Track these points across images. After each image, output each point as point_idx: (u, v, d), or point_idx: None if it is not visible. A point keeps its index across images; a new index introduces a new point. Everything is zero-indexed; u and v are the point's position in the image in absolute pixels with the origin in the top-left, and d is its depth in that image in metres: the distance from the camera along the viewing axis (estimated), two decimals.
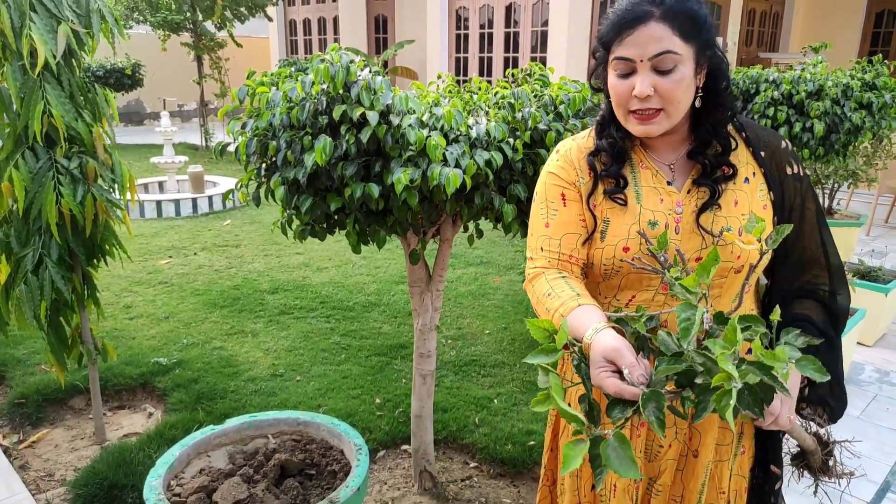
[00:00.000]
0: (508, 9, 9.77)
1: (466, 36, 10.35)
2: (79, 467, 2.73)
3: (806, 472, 1.43)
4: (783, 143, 1.31)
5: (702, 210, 1.23)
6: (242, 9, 10.92)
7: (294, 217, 2.07)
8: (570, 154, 1.33)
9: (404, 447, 2.88)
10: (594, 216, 1.28)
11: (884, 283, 3.98)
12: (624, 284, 1.28)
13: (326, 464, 1.99)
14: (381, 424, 3.00)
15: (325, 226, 2.09)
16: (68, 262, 2.54)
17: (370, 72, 1.94)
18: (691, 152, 1.26)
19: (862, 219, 5.43)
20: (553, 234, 1.29)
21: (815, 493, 1.43)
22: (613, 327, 1.06)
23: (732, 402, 0.88)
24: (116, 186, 2.61)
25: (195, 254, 5.74)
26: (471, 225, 2.26)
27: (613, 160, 1.27)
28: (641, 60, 1.14)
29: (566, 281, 1.23)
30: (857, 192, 6.50)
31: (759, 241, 1.08)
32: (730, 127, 1.29)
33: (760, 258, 1.14)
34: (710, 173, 1.25)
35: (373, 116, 1.78)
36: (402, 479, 2.69)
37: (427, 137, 1.80)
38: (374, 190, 1.83)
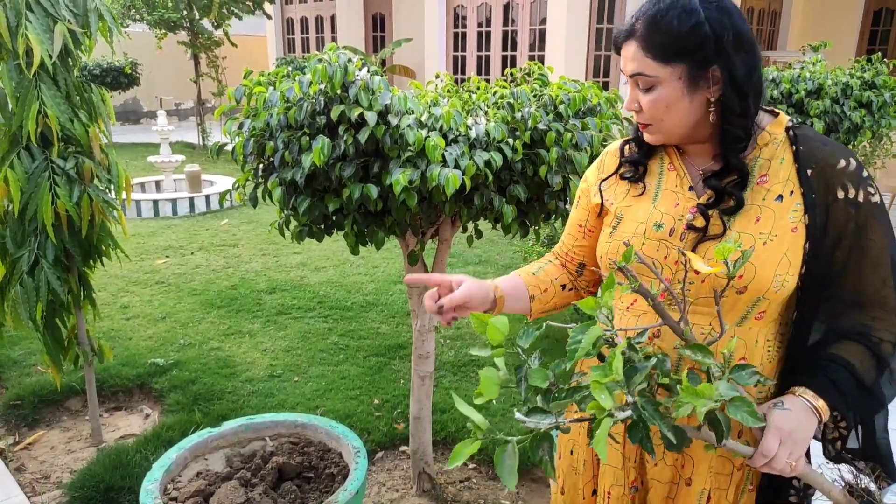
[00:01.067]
0: (506, 7, 9.75)
1: (464, 34, 10.33)
2: (75, 469, 2.71)
3: None
4: (843, 162, 1.13)
5: (702, 237, 1.16)
6: (239, 6, 10.88)
7: (292, 218, 2.06)
8: (608, 152, 1.37)
9: (402, 448, 2.87)
10: (602, 204, 1.32)
11: None
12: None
13: (324, 466, 1.98)
14: (379, 425, 2.98)
15: (323, 227, 2.07)
16: (64, 262, 2.52)
17: (368, 71, 1.92)
18: (706, 179, 1.17)
19: None
20: (566, 231, 1.43)
21: None
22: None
23: (604, 432, 0.83)
24: (113, 187, 2.59)
25: (192, 253, 5.72)
26: (470, 225, 2.25)
27: (639, 149, 1.28)
28: (625, 74, 1.17)
29: (540, 262, 1.42)
30: None
31: (726, 263, 0.98)
32: (783, 138, 1.16)
33: (786, 286, 1.09)
34: (717, 202, 1.15)
35: (371, 117, 1.76)
36: (400, 480, 2.68)
37: (426, 138, 1.78)
38: (373, 191, 1.82)
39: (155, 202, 7.16)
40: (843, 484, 1.22)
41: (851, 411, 1.13)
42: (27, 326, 2.46)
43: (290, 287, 4.84)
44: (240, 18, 11.13)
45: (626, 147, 1.31)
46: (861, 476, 1.22)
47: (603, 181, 1.33)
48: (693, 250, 1.15)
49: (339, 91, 1.84)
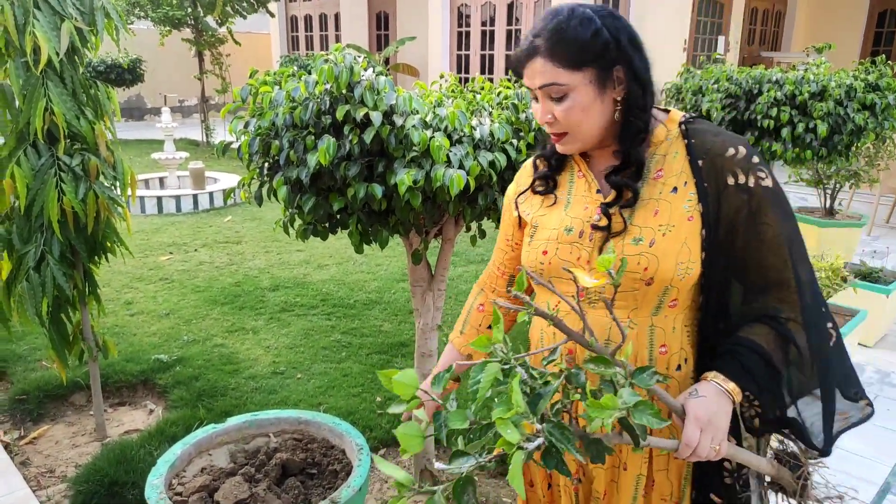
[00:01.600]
0: (510, 6, 9.75)
1: (468, 33, 10.33)
2: (80, 464, 2.73)
3: (784, 496, 1.30)
4: (732, 151, 1.18)
5: (607, 236, 1.22)
6: (244, 4, 10.89)
7: (296, 216, 2.07)
8: (524, 168, 1.44)
9: None
10: (519, 217, 1.39)
11: (885, 284, 3.98)
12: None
13: (328, 463, 2.00)
14: (381, 423, 3.00)
15: (327, 225, 2.08)
16: (70, 259, 2.54)
17: (374, 72, 1.93)
18: (608, 175, 1.24)
19: (863, 219, 5.43)
20: (496, 247, 1.51)
21: None
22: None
23: (518, 466, 0.85)
24: (118, 184, 2.60)
25: (196, 250, 5.74)
26: (473, 225, 2.26)
27: (549, 165, 1.35)
28: (535, 89, 1.20)
29: (471, 304, 1.55)
30: (858, 193, 6.49)
31: (610, 273, 1.01)
32: (676, 133, 1.23)
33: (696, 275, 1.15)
34: (618, 198, 1.22)
35: (376, 117, 1.78)
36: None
37: (431, 138, 1.79)
38: (378, 190, 1.83)
39: (159, 199, 7.18)
40: (771, 454, 1.28)
41: (763, 391, 1.17)
42: (33, 322, 2.48)
43: (293, 284, 4.86)
44: (244, 17, 11.15)
45: (538, 162, 1.38)
46: (786, 442, 1.27)
47: (519, 195, 1.41)
48: (601, 248, 1.22)
49: (344, 91, 1.85)
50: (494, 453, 0.94)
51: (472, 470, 0.94)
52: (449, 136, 1.88)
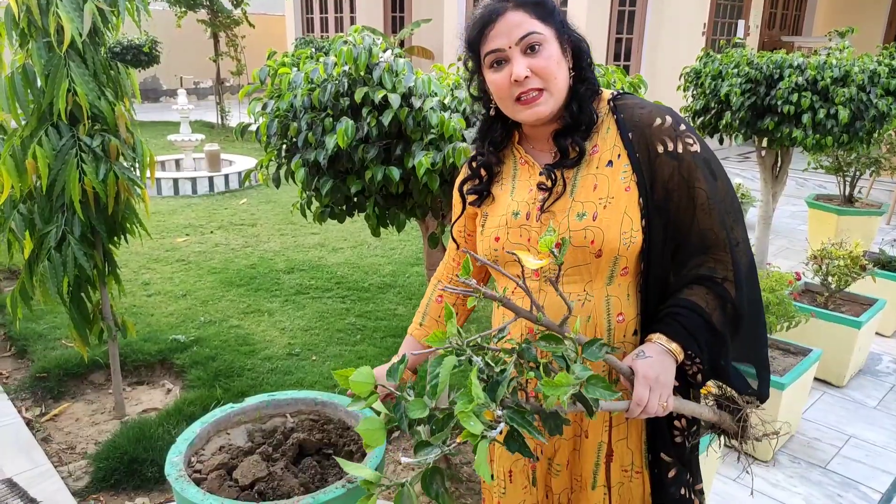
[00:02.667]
0: None
1: None
2: (99, 441, 2.78)
3: (726, 439, 1.38)
4: (658, 120, 1.23)
5: (544, 202, 1.26)
6: None
7: (314, 199, 2.08)
8: (467, 162, 1.46)
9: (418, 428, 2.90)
10: (464, 201, 1.43)
11: None
12: (506, 272, 1.34)
13: (344, 444, 2.01)
14: None
15: (344, 208, 2.09)
16: (90, 238, 2.57)
17: (392, 54, 1.93)
18: (556, 135, 1.27)
19: (883, 207, 5.36)
20: (451, 239, 1.53)
21: (738, 459, 1.38)
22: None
23: (483, 454, 0.89)
24: (137, 165, 2.62)
25: (212, 232, 5.78)
26: None
27: (485, 163, 1.37)
28: (510, 47, 1.21)
29: (430, 297, 1.56)
30: (878, 181, 6.40)
31: (553, 252, 1.06)
32: (606, 110, 1.28)
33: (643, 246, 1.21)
34: (563, 159, 1.26)
35: (395, 99, 1.77)
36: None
37: (448, 119, 1.79)
38: (395, 173, 1.83)
39: (175, 181, 7.22)
40: (712, 401, 1.36)
41: (703, 349, 1.22)
42: (55, 300, 2.51)
43: (308, 267, 4.89)
44: None
45: (473, 163, 1.41)
46: (724, 388, 1.35)
47: (462, 185, 1.44)
48: (541, 210, 1.26)
49: (363, 73, 1.85)
50: (458, 440, 0.96)
51: (437, 458, 0.96)
52: (467, 119, 1.87)
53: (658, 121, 1.23)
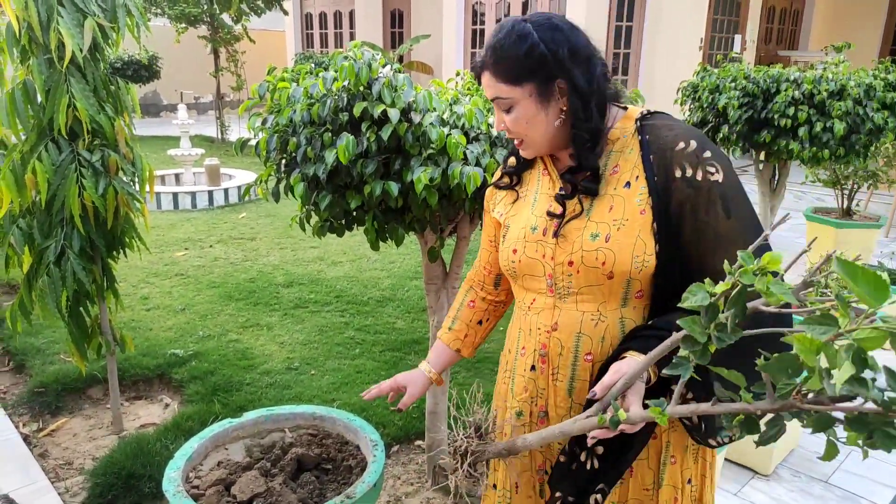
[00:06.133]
0: (525, 4, 9.73)
1: (483, 31, 10.31)
2: (97, 456, 2.76)
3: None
4: (682, 144, 1.19)
5: (559, 224, 1.27)
6: (259, 2, 10.95)
7: (313, 213, 2.08)
8: (501, 168, 1.48)
9: (418, 442, 2.89)
10: (494, 217, 1.44)
11: None
12: (524, 286, 1.36)
13: (343, 458, 2.01)
14: (394, 419, 3.01)
15: (343, 222, 2.10)
16: (89, 253, 2.57)
17: (392, 69, 1.94)
18: (563, 174, 1.29)
19: (881, 220, 5.37)
20: (480, 248, 1.54)
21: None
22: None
23: None
24: (137, 179, 2.63)
25: (211, 246, 5.78)
26: None
27: (518, 162, 1.40)
28: (491, 100, 1.28)
29: (461, 301, 1.58)
30: (876, 194, 6.42)
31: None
32: (632, 130, 1.25)
33: (654, 268, 1.19)
34: (574, 191, 1.26)
35: (394, 114, 1.78)
36: (415, 474, 2.70)
37: (447, 136, 1.80)
38: (394, 188, 1.84)
39: (174, 195, 7.24)
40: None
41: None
42: (54, 315, 2.51)
43: (307, 281, 4.89)
44: (258, 15, 11.20)
45: (509, 161, 1.43)
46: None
47: (494, 196, 1.47)
48: (555, 234, 1.26)
49: (362, 88, 1.86)
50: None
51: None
52: (466, 134, 1.88)
53: (682, 144, 1.19)
